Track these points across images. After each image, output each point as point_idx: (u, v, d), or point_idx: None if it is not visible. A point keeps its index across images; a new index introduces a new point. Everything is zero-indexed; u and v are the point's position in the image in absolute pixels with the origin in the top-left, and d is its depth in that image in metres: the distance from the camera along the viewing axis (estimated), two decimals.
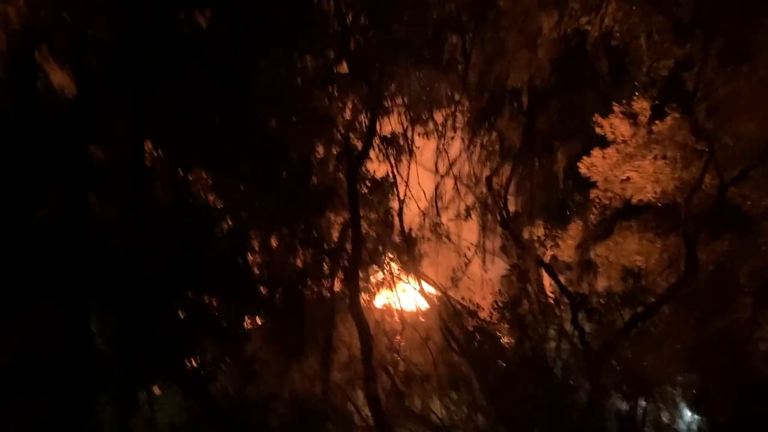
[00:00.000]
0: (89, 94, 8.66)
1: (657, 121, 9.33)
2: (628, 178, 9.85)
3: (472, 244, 11.21)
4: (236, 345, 9.63)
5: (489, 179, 10.01)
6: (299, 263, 10.33)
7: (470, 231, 11.06)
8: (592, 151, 9.89)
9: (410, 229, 11.17)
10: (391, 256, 11.05)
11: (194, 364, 9.42)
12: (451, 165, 10.53)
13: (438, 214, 11.14)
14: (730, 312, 8.82)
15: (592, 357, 8.90)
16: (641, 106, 9.32)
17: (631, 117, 9.49)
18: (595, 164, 9.91)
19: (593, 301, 9.43)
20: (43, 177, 8.43)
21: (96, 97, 8.73)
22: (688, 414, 9.80)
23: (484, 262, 10.69)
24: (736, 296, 8.93)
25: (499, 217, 10.00)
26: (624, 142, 9.61)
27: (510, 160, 10.31)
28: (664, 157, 9.53)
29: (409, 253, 10.99)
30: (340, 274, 10.40)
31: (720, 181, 8.74)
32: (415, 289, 11.32)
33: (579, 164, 10.06)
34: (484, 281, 10.97)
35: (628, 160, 9.70)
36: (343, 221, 10.71)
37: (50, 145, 8.44)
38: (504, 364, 9.90)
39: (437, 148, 10.81)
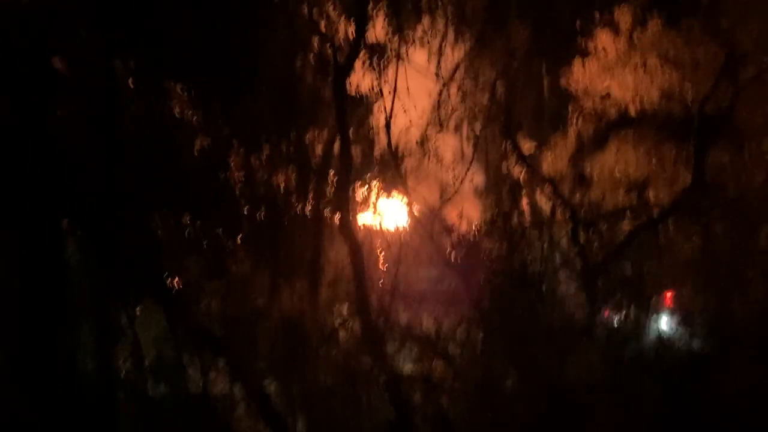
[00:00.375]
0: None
1: (639, 30, 9.09)
2: (608, 90, 9.56)
3: (463, 157, 10.78)
4: (219, 264, 9.33)
5: (493, 84, 9.43)
6: (282, 180, 9.91)
7: (460, 144, 10.60)
8: (573, 62, 9.58)
9: (397, 145, 10.70)
10: (377, 172, 10.66)
11: (176, 284, 9.12)
12: (454, 71, 9.83)
13: (440, 124, 10.51)
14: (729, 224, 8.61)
15: (590, 270, 8.68)
16: (623, 14, 9.04)
17: (613, 26, 9.19)
18: (574, 75, 9.60)
19: (592, 214, 9.15)
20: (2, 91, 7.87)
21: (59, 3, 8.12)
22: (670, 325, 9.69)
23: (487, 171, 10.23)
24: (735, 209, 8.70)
25: (501, 127, 9.45)
26: (605, 52, 9.31)
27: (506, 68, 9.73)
28: (645, 67, 9.23)
29: (396, 169, 10.56)
30: (328, 190, 10.00)
31: (732, 89, 8.37)
32: (401, 205, 10.97)
33: (560, 76, 9.74)
34: (476, 195, 10.59)
35: (609, 70, 9.44)
36: (327, 137, 10.25)
37: (9, 55, 7.85)
38: (495, 280, 9.64)
39: (438, 53, 10.15)
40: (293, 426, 8.92)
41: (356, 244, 9.28)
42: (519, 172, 9.92)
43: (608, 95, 9.63)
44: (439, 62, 10.08)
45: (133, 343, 8.59)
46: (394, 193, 10.78)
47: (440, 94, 10.28)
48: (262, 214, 9.79)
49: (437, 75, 10.14)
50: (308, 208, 9.88)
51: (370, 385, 9.12)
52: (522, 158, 9.57)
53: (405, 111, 10.64)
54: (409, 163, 10.75)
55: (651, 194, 9.29)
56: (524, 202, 9.97)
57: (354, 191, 10.19)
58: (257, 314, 9.10)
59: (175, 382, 8.67)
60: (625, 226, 8.99)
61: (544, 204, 9.99)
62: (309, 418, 9.05)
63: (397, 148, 10.60)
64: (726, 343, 8.45)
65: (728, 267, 8.56)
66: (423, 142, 10.77)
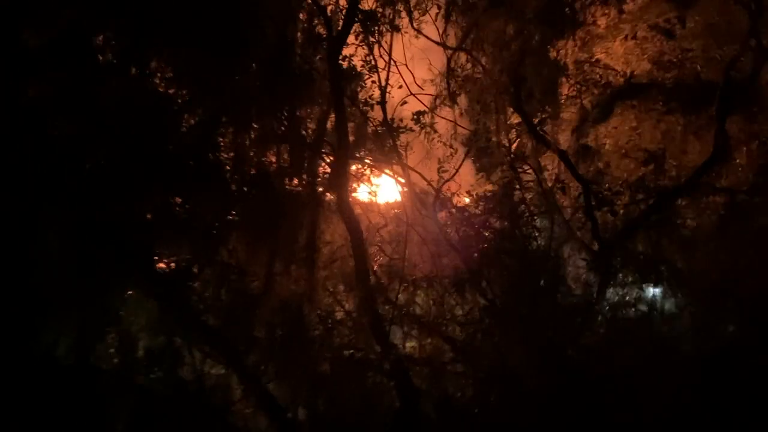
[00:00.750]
0: None
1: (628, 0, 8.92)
2: (597, 60, 9.43)
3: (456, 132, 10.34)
4: (211, 248, 8.89)
5: (500, 49, 8.91)
6: (275, 158, 9.44)
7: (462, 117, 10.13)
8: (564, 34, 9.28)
9: (392, 119, 10.23)
10: (373, 147, 10.24)
11: (167, 269, 8.67)
12: (465, 35, 9.24)
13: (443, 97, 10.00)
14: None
15: (604, 248, 8.28)
16: None
17: None
18: (565, 47, 9.38)
19: (604, 189, 8.77)
20: None
21: None
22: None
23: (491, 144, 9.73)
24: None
25: (510, 98, 8.98)
26: (594, 23, 9.19)
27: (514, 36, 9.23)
28: (635, 38, 9.12)
29: (392, 144, 10.11)
30: (323, 168, 9.57)
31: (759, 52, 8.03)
32: (398, 182, 10.56)
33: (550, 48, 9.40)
34: (479, 168, 10.17)
35: (598, 41, 9.34)
36: (320, 113, 9.77)
37: None
38: (501, 258, 9.26)
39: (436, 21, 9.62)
40: (294, 415, 8.52)
41: (356, 222, 8.83)
42: (526, 144, 9.47)
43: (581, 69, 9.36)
44: (444, 31, 9.52)
45: (121, 331, 8.13)
46: (392, 168, 10.40)
47: (448, 61, 9.73)
48: (254, 193, 9.37)
49: (443, 41, 9.55)
50: (303, 185, 9.46)
51: (373, 368, 8.75)
52: (531, 129, 9.12)
53: (401, 86, 10.32)
54: (406, 138, 10.32)
55: (668, 167, 8.93)
56: (531, 175, 9.55)
57: (350, 167, 9.80)
58: (253, 297, 8.65)
59: (166, 371, 8.23)
60: (642, 200, 8.61)
61: (555, 177, 9.59)
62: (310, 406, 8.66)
63: (391, 122, 10.16)
64: (747, 325, 8.06)
65: (749, 244, 8.16)
66: (421, 115, 10.35)
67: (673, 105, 9.10)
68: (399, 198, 10.74)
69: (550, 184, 9.62)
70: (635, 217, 8.57)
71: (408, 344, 9.55)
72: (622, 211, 8.64)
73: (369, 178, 10.58)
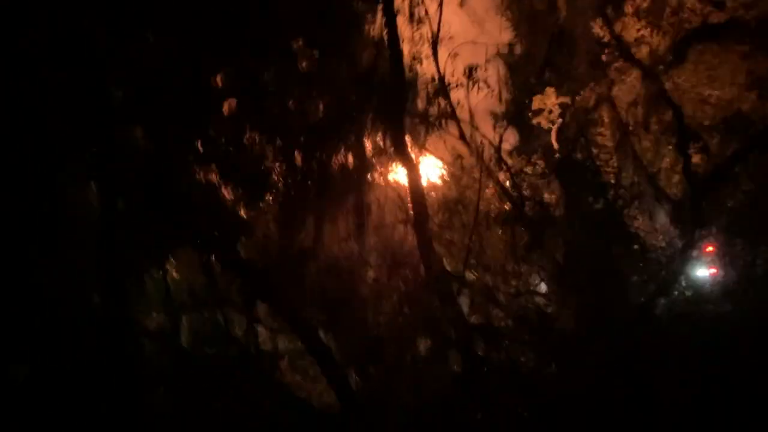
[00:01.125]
0: None
1: None
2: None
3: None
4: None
5: None
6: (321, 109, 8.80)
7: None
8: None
9: (443, 75, 9.51)
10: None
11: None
12: None
13: None
14: None
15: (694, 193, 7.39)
16: None
17: None
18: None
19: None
20: None
21: None
22: None
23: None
24: None
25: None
26: None
27: None
28: None
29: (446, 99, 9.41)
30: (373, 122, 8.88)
31: None
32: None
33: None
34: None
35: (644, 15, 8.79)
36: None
37: None
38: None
39: None
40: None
41: (417, 175, 8.20)
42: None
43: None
44: None
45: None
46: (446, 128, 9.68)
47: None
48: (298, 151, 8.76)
49: None
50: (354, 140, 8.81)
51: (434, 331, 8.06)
52: (621, 49, 8.32)
53: (451, 37, 9.62)
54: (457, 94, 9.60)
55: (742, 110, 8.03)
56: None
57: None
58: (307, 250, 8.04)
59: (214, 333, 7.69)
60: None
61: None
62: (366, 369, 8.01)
63: (442, 79, 9.45)
64: None
65: None
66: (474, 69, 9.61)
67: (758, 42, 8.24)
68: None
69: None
70: (730, 158, 7.60)
71: (469, 310, 8.80)
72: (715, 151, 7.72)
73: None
